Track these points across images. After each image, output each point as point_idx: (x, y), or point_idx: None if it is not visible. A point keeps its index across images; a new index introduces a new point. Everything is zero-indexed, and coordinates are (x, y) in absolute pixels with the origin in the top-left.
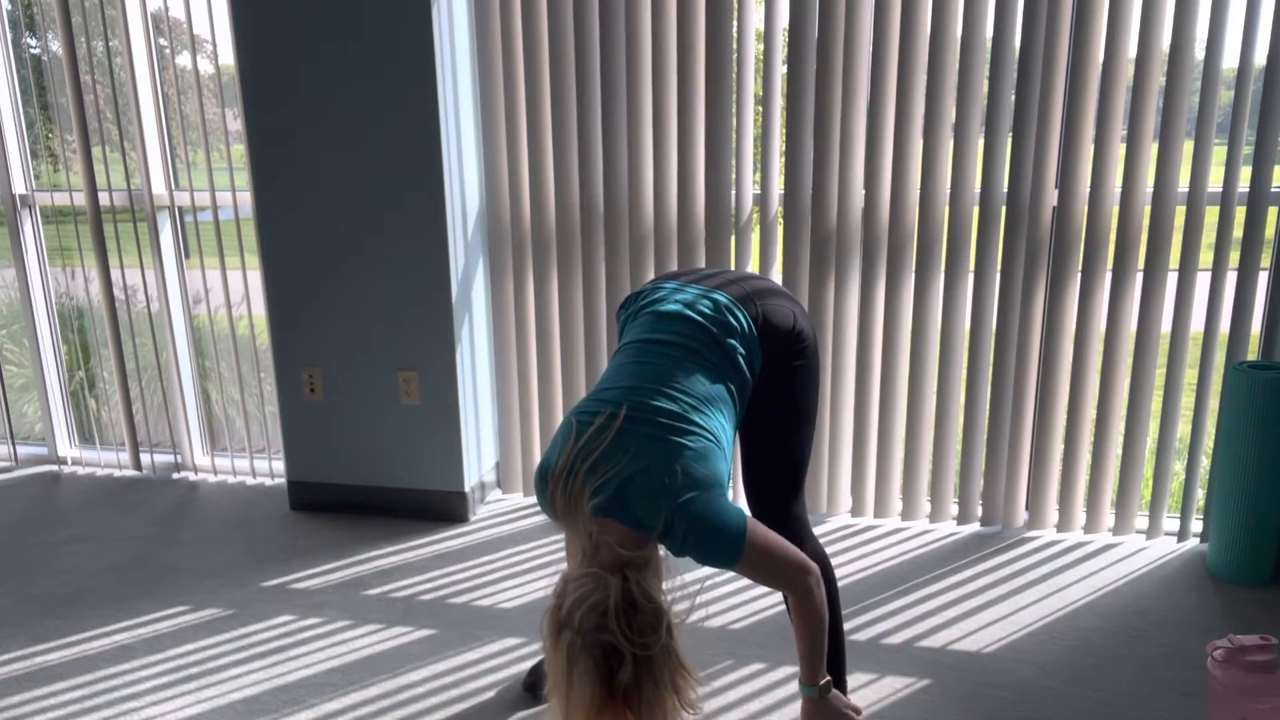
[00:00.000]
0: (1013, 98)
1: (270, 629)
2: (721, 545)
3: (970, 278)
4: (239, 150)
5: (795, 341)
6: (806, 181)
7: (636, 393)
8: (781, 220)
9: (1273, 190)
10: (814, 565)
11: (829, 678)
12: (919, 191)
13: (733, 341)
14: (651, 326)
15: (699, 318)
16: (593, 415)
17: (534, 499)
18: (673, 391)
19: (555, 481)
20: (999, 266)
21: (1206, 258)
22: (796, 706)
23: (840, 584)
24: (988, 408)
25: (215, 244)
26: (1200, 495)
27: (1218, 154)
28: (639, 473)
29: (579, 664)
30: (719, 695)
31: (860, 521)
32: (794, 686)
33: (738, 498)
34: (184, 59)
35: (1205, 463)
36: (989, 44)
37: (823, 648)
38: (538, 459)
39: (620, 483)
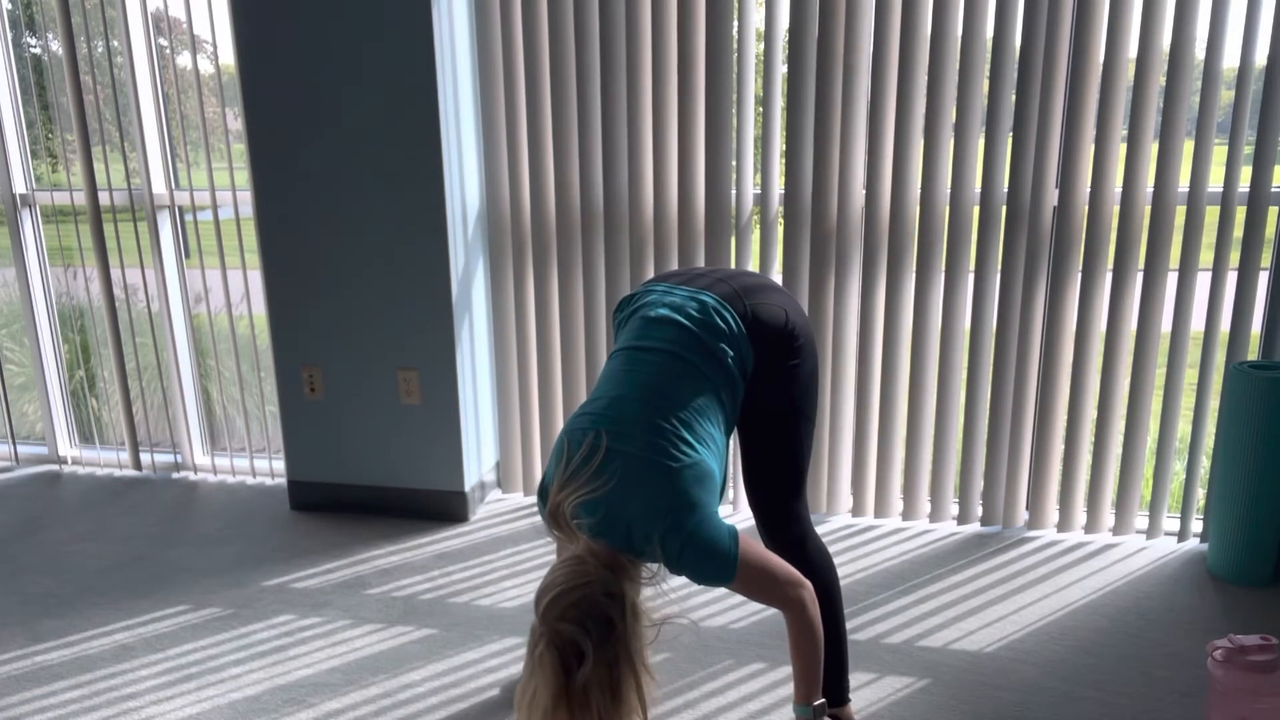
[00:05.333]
0: (1013, 98)
1: (270, 629)
2: (715, 565)
3: (970, 278)
4: (239, 150)
5: (788, 340)
6: (807, 181)
7: (622, 403)
8: (782, 220)
9: (1273, 190)
10: (806, 581)
11: (824, 700)
12: (919, 191)
13: (721, 345)
14: (640, 333)
15: (686, 321)
16: (582, 434)
17: (534, 499)
18: (660, 403)
19: (551, 501)
20: (999, 266)
21: (1206, 258)
22: None
23: (840, 584)
24: (988, 408)
25: (215, 244)
26: (1200, 495)
27: (1218, 154)
28: (627, 496)
29: (541, 656)
30: (719, 695)
31: (861, 521)
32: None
33: (738, 496)
34: (184, 59)
35: (1205, 463)
36: (989, 44)
37: (818, 665)
38: (538, 459)
39: (609, 506)
